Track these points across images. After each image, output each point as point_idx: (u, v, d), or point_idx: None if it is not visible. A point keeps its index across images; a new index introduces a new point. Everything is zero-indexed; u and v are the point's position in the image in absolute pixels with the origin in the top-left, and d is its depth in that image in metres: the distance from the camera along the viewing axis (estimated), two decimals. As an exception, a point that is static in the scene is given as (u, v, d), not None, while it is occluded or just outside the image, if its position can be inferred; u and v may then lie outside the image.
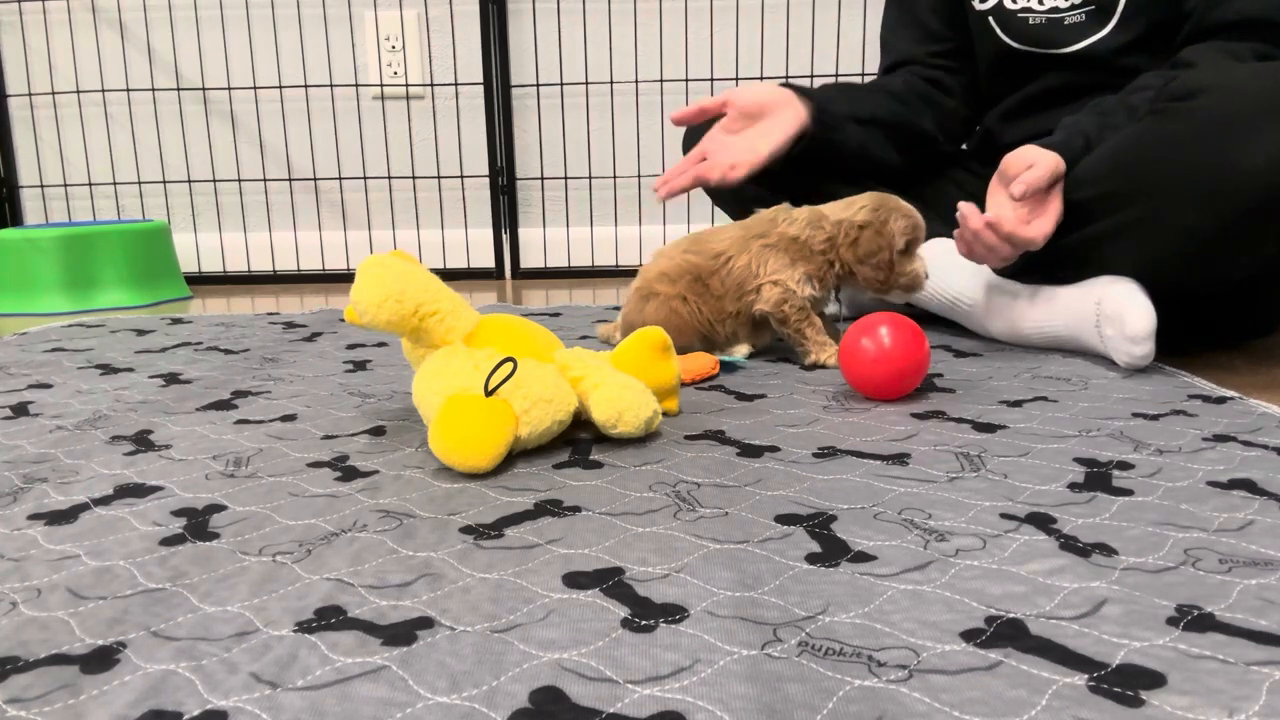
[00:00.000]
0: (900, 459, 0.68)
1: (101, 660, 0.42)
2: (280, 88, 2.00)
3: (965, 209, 0.97)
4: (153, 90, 2.01)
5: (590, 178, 2.03)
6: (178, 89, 2.01)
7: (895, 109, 1.19)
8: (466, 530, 0.56)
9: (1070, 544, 0.52)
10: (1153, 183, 0.90)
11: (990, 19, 1.15)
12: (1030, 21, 1.12)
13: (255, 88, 2.00)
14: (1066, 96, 1.13)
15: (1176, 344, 1.03)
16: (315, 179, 2.04)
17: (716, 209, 2.02)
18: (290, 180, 2.05)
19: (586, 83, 1.98)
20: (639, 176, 2.02)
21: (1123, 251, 0.94)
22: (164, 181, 2.05)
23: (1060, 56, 1.10)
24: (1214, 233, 0.88)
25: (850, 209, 1.00)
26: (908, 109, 1.21)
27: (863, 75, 1.93)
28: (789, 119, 1.10)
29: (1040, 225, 0.95)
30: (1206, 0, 1.01)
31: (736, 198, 1.26)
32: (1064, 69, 1.11)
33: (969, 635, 0.42)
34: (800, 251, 0.99)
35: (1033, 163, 0.94)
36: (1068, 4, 1.09)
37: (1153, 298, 0.92)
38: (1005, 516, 0.56)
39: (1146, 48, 1.06)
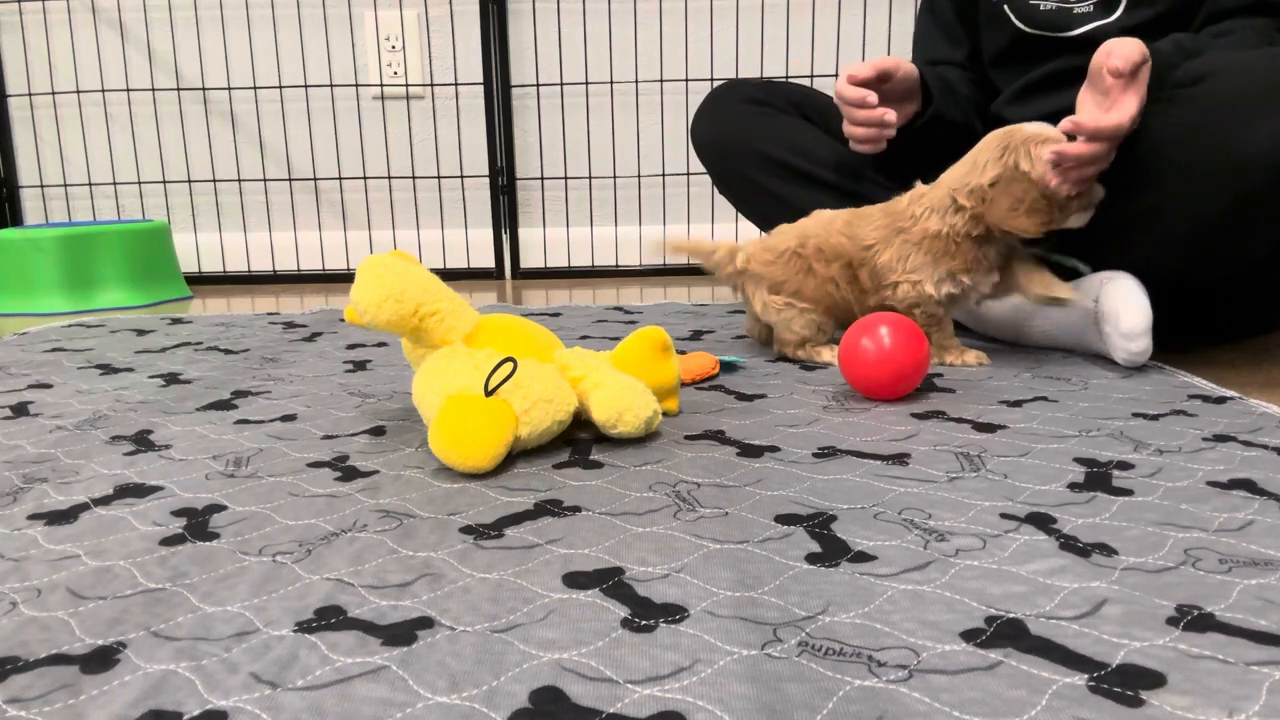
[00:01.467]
0: (900, 459, 0.68)
1: (101, 660, 0.42)
2: (280, 88, 2.00)
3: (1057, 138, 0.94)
4: (153, 90, 2.01)
5: (590, 178, 2.03)
6: (178, 89, 2.01)
7: (968, 113, 1.23)
8: (466, 530, 0.56)
9: (1070, 544, 0.52)
10: (1161, 168, 0.90)
11: (1005, 8, 1.17)
12: (1042, 8, 1.13)
13: (255, 88, 2.00)
14: (1075, 78, 1.13)
15: (1180, 341, 1.03)
16: (315, 179, 2.04)
17: (716, 208, 2.02)
18: (290, 180, 2.04)
19: (586, 83, 1.98)
20: (639, 176, 2.02)
21: (1132, 238, 0.94)
22: (164, 181, 2.05)
23: (1069, 40, 1.11)
24: (1222, 217, 0.88)
25: (975, 171, 0.93)
26: (972, 111, 1.24)
27: (863, 75, 1.93)
28: (911, 107, 1.14)
29: (1121, 110, 0.89)
30: None
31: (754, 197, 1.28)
32: (1072, 53, 1.12)
33: (969, 635, 0.42)
34: (945, 247, 0.94)
35: (1110, 50, 0.90)
36: None
37: (1159, 290, 0.92)
38: (1005, 516, 0.56)
39: (1153, 33, 1.06)
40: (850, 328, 0.85)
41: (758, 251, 1.03)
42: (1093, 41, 1.09)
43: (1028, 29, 1.15)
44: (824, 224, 1.01)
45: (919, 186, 0.99)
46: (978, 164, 0.93)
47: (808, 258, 1.00)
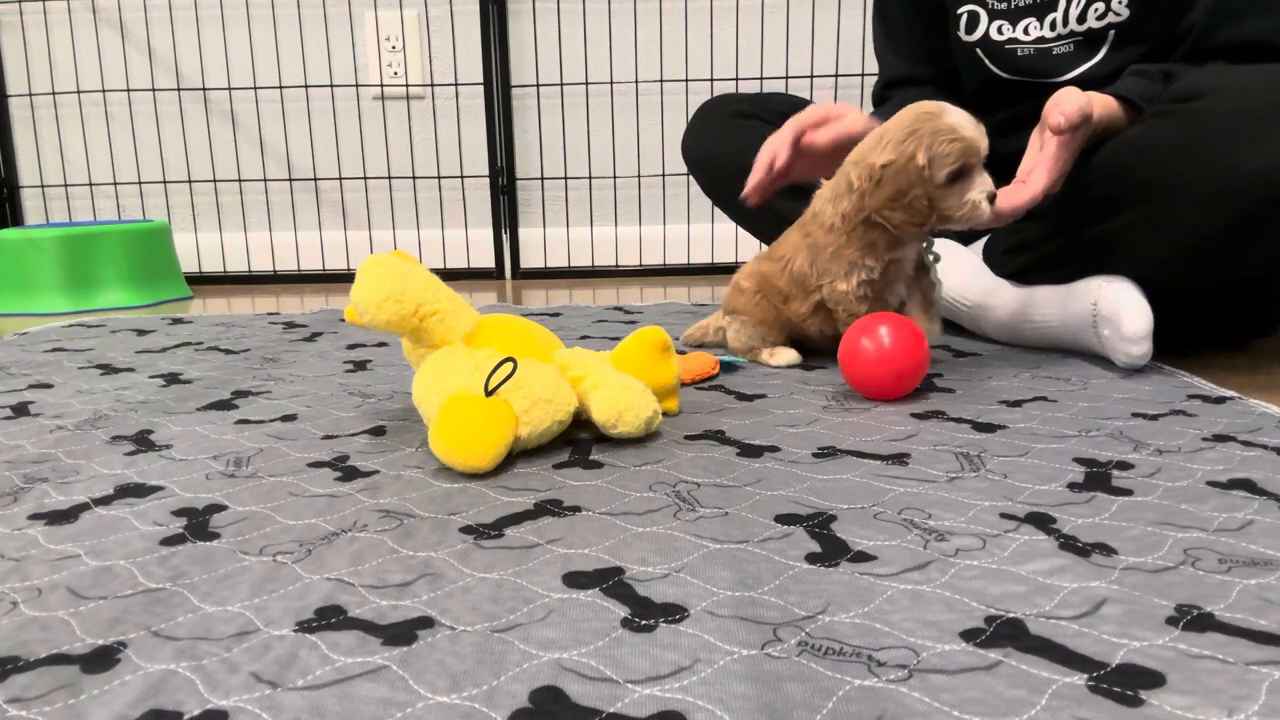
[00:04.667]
0: (900, 459, 0.68)
1: (101, 660, 0.42)
2: (280, 88, 2.00)
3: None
4: (153, 90, 2.01)
5: (590, 178, 2.03)
6: (178, 89, 2.01)
7: None
8: (466, 530, 0.56)
9: (1070, 544, 0.52)
10: (1156, 184, 0.90)
11: (978, 50, 1.12)
12: (1019, 53, 1.09)
13: (255, 88, 2.00)
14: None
15: (1178, 344, 1.03)
16: (315, 179, 2.04)
17: (716, 208, 2.02)
18: (290, 180, 2.05)
19: (586, 83, 1.98)
20: (639, 176, 2.02)
21: (1126, 251, 0.94)
22: (164, 181, 2.05)
23: (1053, 86, 1.04)
24: (1217, 234, 0.88)
25: (876, 147, 0.88)
26: None
27: (863, 75, 1.93)
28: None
29: (1034, 182, 0.89)
30: (1206, 23, 0.97)
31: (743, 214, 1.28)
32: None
33: (969, 635, 0.42)
34: (837, 239, 0.92)
35: (1059, 100, 0.89)
36: (1054, 34, 1.06)
37: (1156, 297, 0.91)
38: (1005, 516, 0.56)
39: None
40: (850, 327, 0.85)
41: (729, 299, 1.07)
42: (1080, 85, 1.05)
43: (1006, 75, 1.11)
44: (762, 256, 1.04)
45: (822, 182, 0.96)
46: (881, 140, 0.88)
47: (735, 285, 1.04)
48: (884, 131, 0.89)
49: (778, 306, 1.01)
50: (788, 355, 1.02)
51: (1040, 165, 0.89)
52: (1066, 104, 0.88)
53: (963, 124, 0.86)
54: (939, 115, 0.86)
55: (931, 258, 0.97)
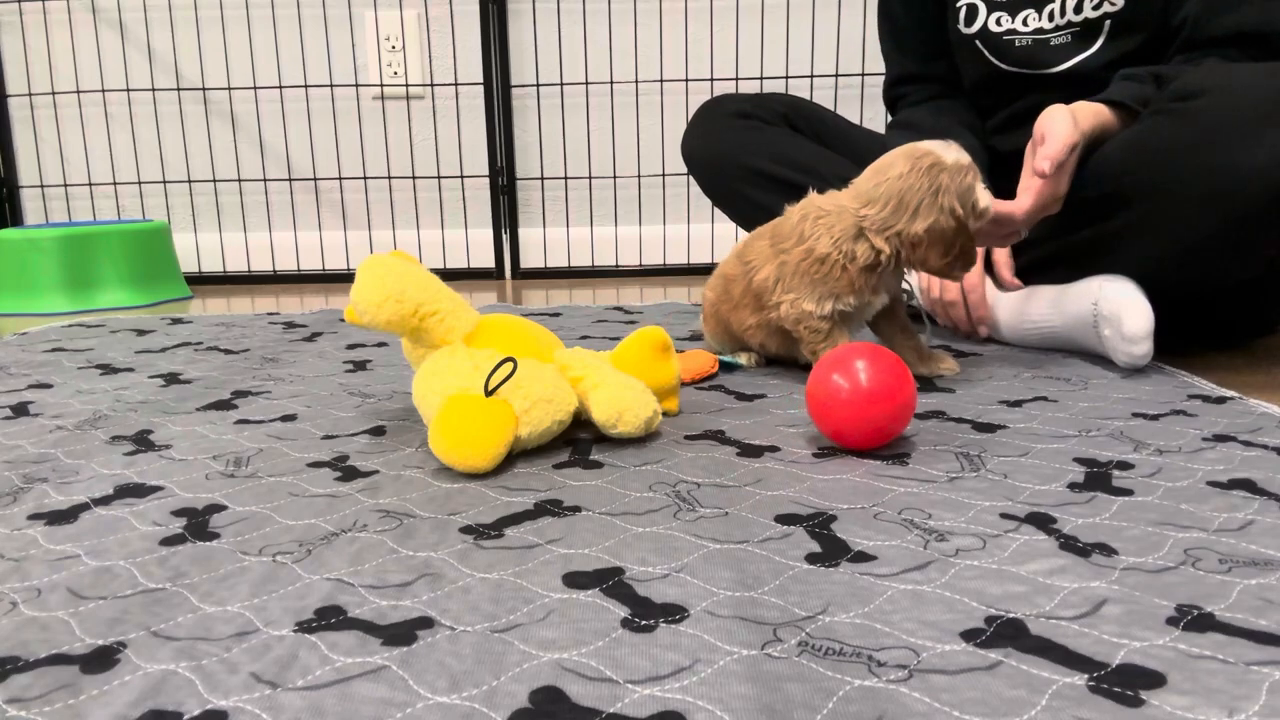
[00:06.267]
0: (900, 459, 0.68)
1: (101, 660, 0.42)
2: (280, 88, 2.00)
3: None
4: (153, 90, 2.01)
5: (590, 178, 2.03)
6: (178, 89, 2.01)
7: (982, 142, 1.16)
8: (466, 530, 0.56)
9: (1070, 544, 0.52)
10: (1156, 183, 0.90)
11: (977, 42, 1.13)
12: (1017, 44, 1.10)
13: (255, 88, 2.00)
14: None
15: (1179, 344, 1.03)
16: (315, 179, 2.04)
17: (715, 208, 2.02)
18: (290, 180, 2.04)
19: (586, 83, 1.98)
20: (639, 176, 2.02)
21: (1126, 251, 0.94)
22: (164, 181, 2.05)
23: (1049, 76, 1.08)
24: (1217, 234, 0.88)
25: (902, 213, 0.83)
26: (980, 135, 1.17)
27: (863, 75, 1.93)
28: None
29: (1020, 199, 0.91)
30: (1200, 13, 0.98)
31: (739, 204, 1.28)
32: (1053, 87, 1.09)
33: (969, 635, 0.42)
34: (829, 272, 0.86)
35: (1045, 134, 0.90)
36: (1052, 25, 1.07)
37: (1156, 297, 0.91)
38: (1005, 516, 0.56)
39: (1136, 64, 1.05)
40: (816, 366, 0.73)
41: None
42: (1075, 76, 1.06)
43: (1004, 66, 1.12)
44: (734, 250, 1.01)
45: (812, 196, 0.90)
46: (906, 205, 0.83)
47: (712, 299, 1.03)
48: (900, 195, 0.84)
49: (726, 316, 0.99)
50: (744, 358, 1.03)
51: (1027, 189, 0.92)
52: (1051, 144, 0.89)
53: (960, 155, 0.85)
54: (942, 159, 0.84)
55: (905, 292, 0.95)
